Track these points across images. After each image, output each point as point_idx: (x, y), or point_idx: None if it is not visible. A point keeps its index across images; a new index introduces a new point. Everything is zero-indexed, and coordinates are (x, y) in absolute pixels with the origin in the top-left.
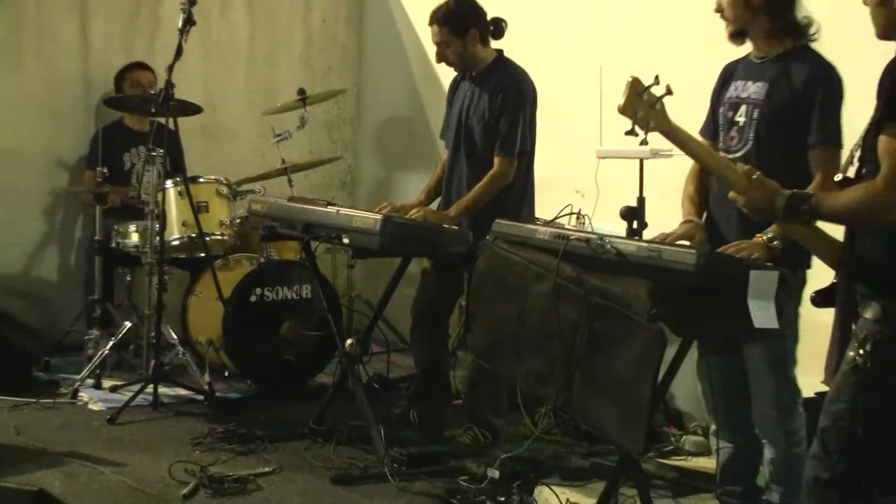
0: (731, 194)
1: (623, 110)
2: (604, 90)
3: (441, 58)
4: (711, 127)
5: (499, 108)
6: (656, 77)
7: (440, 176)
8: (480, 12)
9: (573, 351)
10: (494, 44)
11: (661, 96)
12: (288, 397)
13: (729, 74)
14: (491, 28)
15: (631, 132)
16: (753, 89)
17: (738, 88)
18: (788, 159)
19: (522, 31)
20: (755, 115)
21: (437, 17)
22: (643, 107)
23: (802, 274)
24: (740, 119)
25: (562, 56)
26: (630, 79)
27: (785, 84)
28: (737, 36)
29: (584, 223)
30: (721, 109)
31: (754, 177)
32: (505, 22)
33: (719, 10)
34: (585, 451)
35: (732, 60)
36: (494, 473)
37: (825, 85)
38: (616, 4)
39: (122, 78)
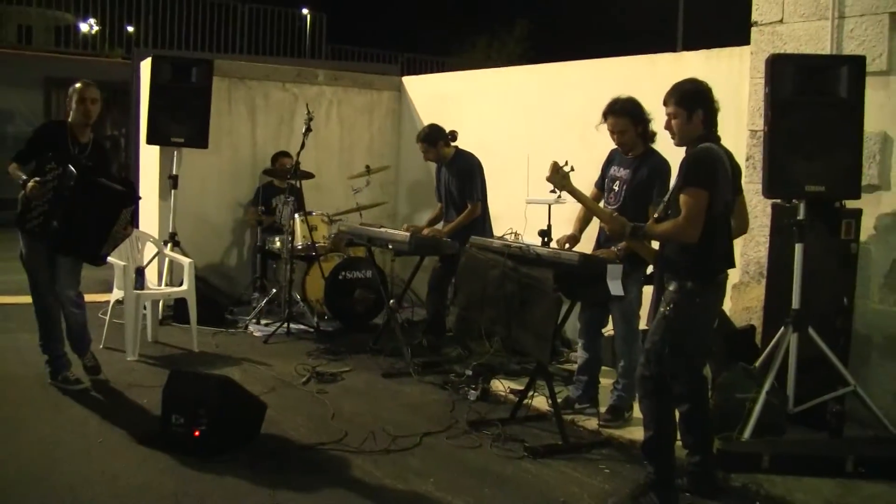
0: (602, 225)
1: (549, 179)
2: (530, 168)
3: (426, 158)
4: (601, 184)
5: (463, 178)
6: (566, 161)
7: (437, 214)
8: (442, 130)
9: (511, 307)
10: (454, 143)
11: (568, 171)
12: (358, 330)
13: (611, 158)
14: (450, 136)
15: (553, 191)
16: (623, 173)
17: (616, 171)
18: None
19: (483, 133)
20: (624, 187)
21: (419, 138)
22: (558, 177)
23: (643, 268)
24: (616, 187)
25: (505, 148)
26: (553, 162)
27: (640, 171)
28: (628, 151)
29: (518, 238)
30: (606, 180)
31: (615, 215)
32: (456, 132)
33: (621, 141)
34: (517, 361)
35: (613, 149)
36: (469, 372)
37: (661, 171)
38: (535, 121)
39: (275, 159)
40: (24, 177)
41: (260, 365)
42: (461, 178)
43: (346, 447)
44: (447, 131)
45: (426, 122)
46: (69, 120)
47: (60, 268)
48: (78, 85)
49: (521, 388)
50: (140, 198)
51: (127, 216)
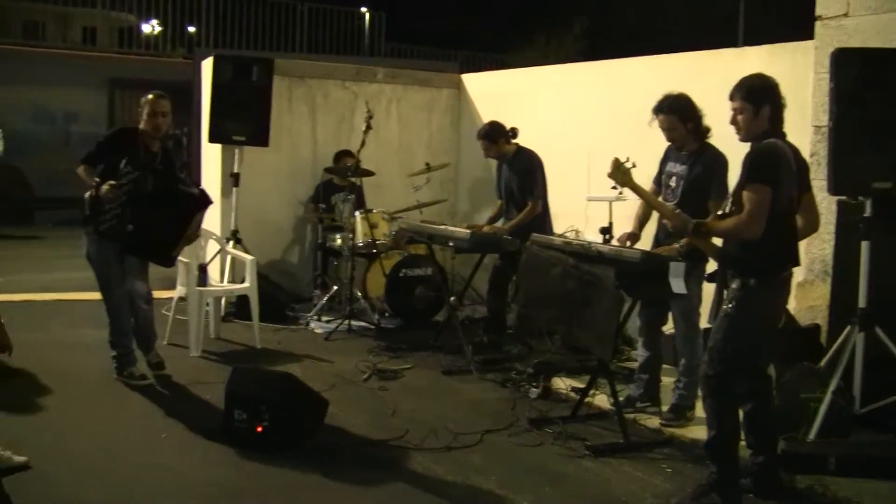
0: (665, 221)
1: (610, 176)
2: (590, 165)
3: (486, 155)
4: (658, 180)
5: (524, 175)
6: (627, 157)
7: (497, 211)
8: (502, 127)
9: (572, 305)
10: (515, 141)
11: (630, 168)
12: (419, 327)
13: (667, 155)
14: (510, 133)
15: (614, 187)
16: (679, 169)
17: (672, 167)
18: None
19: (543, 131)
20: (680, 183)
21: (480, 135)
22: (619, 174)
23: (703, 265)
24: (672, 184)
25: (566, 145)
26: (614, 158)
27: (695, 167)
28: (681, 147)
29: (579, 236)
30: (663, 177)
31: (677, 212)
32: (517, 129)
33: (671, 137)
34: (579, 359)
35: (668, 146)
36: (530, 370)
37: (716, 166)
38: (595, 118)
39: (338, 158)
40: (97, 179)
41: (321, 361)
42: (522, 175)
43: (406, 444)
44: (508, 128)
45: (485, 120)
46: (141, 127)
47: (130, 264)
48: (150, 96)
49: (582, 386)
50: (212, 202)
51: (199, 220)
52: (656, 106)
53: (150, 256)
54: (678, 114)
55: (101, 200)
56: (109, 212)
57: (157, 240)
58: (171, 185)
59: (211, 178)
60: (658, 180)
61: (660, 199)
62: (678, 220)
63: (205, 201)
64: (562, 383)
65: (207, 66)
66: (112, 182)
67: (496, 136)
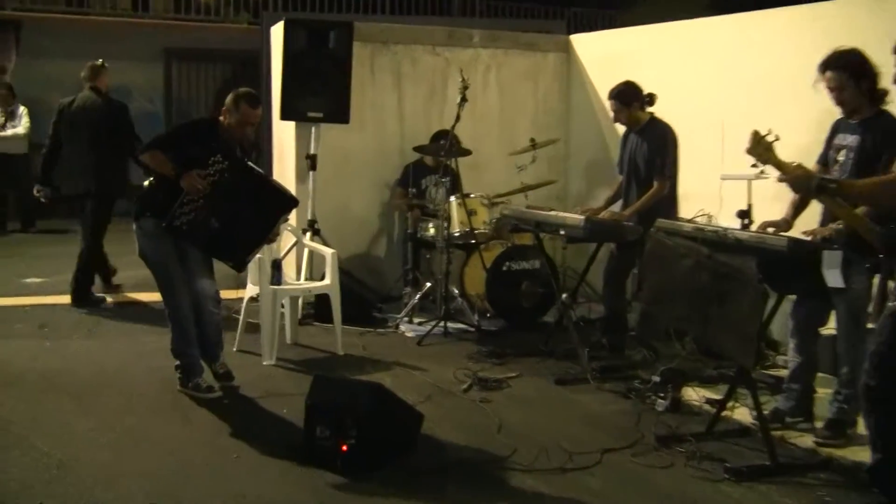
0: (779, 176)
1: (749, 151)
2: (724, 138)
3: (616, 120)
4: (824, 159)
5: (654, 150)
6: (769, 129)
7: (615, 191)
8: (639, 90)
9: (707, 301)
10: (649, 109)
11: (772, 141)
12: (526, 329)
13: (835, 129)
14: (647, 99)
15: (754, 165)
16: (850, 140)
17: (841, 139)
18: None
19: (669, 98)
20: (851, 155)
21: (612, 94)
22: (760, 148)
23: (871, 254)
24: (841, 157)
25: (696, 114)
26: (753, 131)
27: (868, 136)
28: (852, 112)
29: (712, 221)
30: (830, 151)
31: (797, 164)
32: (656, 95)
33: (840, 99)
34: (714, 365)
35: (837, 119)
36: (657, 379)
37: (893, 135)
38: (732, 81)
39: (436, 140)
40: (174, 167)
41: (414, 370)
42: (652, 149)
43: (514, 465)
44: (645, 93)
45: (599, 87)
46: (224, 122)
47: (194, 261)
48: (244, 101)
49: (719, 397)
50: (298, 203)
51: (283, 221)
52: (823, 62)
53: (227, 256)
54: (850, 71)
55: (183, 186)
56: (189, 204)
57: (242, 239)
58: (267, 181)
59: (284, 160)
60: (823, 159)
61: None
62: (799, 176)
63: (294, 202)
64: (694, 394)
65: (277, 32)
66: (198, 171)
67: (630, 97)
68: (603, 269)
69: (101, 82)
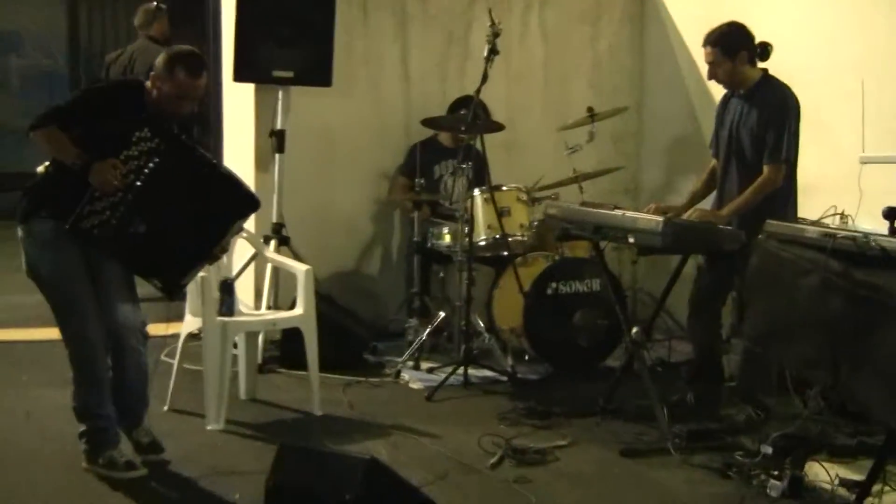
0: None
1: None
2: (865, 106)
3: (712, 75)
4: (716, 142)
5: (766, 121)
6: None
7: (705, 181)
8: (749, 36)
9: (840, 338)
10: (760, 64)
11: None
12: (580, 378)
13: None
14: (758, 51)
15: None
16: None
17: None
18: None
19: (786, 50)
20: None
21: (711, 39)
22: None
23: None
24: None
25: (824, 72)
26: None
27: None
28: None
29: (847, 223)
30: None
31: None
32: (771, 45)
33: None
34: (852, 429)
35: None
36: (767, 449)
37: None
38: (875, 26)
39: (456, 109)
40: (79, 153)
41: (422, 436)
42: (764, 120)
43: None
44: (757, 42)
45: (687, 34)
46: (152, 91)
47: (108, 281)
48: (179, 60)
49: (861, 477)
50: (260, 205)
51: (237, 230)
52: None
53: (156, 274)
54: (721, 46)
55: (91, 182)
56: (102, 199)
57: (177, 251)
58: (214, 168)
59: (238, 138)
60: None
61: None
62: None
63: (254, 203)
64: (824, 471)
65: None
66: (117, 158)
67: (736, 45)
68: (689, 292)
69: (159, 30)
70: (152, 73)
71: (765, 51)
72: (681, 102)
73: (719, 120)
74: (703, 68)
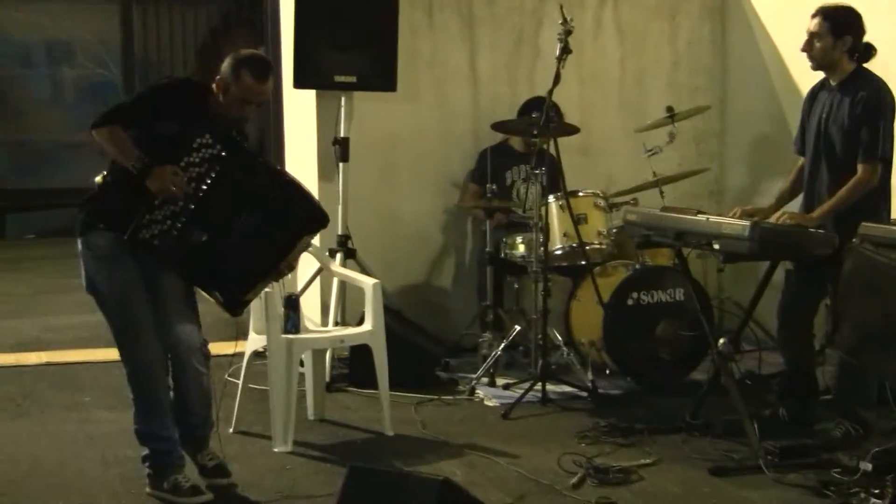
0: None
1: None
2: None
3: (807, 47)
4: (801, 141)
5: (859, 117)
6: None
7: (793, 181)
8: (862, 26)
9: None
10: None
11: None
12: (664, 393)
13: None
14: (862, 48)
15: None
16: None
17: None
18: None
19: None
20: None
21: (823, 11)
22: None
23: None
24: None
25: None
26: None
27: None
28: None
29: None
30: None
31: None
32: (875, 49)
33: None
34: None
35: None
36: (867, 466)
37: None
38: None
39: (527, 111)
40: (139, 156)
41: (498, 456)
42: (857, 115)
43: None
44: (865, 41)
45: (771, 29)
46: (217, 94)
47: (168, 296)
48: (246, 63)
49: None
50: (328, 219)
51: (304, 248)
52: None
53: (218, 288)
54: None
55: (150, 188)
56: (162, 207)
57: (240, 265)
58: (282, 178)
59: (300, 147)
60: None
61: None
62: None
63: (323, 219)
64: None
65: None
66: (176, 165)
67: (846, 26)
68: (778, 300)
69: None
70: (218, 77)
71: (867, 51)
72: (766, 100)
73: (807, 114)
74: (792, 63)
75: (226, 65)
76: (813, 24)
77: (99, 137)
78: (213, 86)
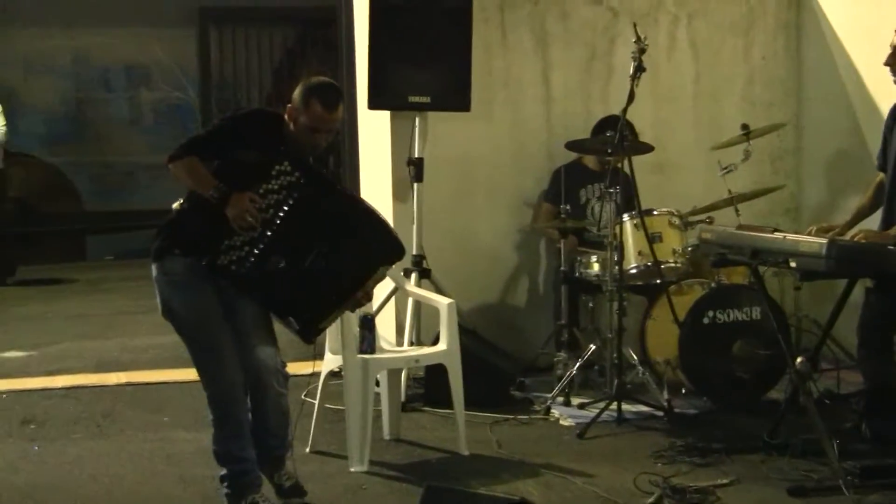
0: None
1: None
2: None
3: (891, 60)
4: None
5: None
6: None
7: (871, 197)
8: None
9: None
10: None
11: None
12: (742, 412)
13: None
14: None
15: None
16: None
17: None
18: None
19: None
20: None
21: None
22: None
23: None
24: None
25: None
26: None
27: None
28: None
29: None
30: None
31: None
32: None
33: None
34: None
35: None
36: None
37: None
38: None
39: (601, 130)
40: (217, 185)
41: (574, 475)
42: None
43: None
44: None
45: (846, 42)
46: (289, 125)
47: (247, 320)
48: (315, 91)
49: None
50: (404, 251)
51: (380, 278)
52: None
53: (293, 315)
54: None
55: (228, 215)
56: (240, 235)
57: (316, 292)
58: (359, 206)
59: (374, 167)
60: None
61: None
62: None
63: (400, 251)
64: None
65: None
66: (254, 193)
67: None
68: (858, 318)
69: None
70: (289, 105)
71: None
72: (843, 116)
73: (889, 130)
74: (869, 78)
75: (296, 93)
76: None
77: (175, 170)
78: (286, 115)
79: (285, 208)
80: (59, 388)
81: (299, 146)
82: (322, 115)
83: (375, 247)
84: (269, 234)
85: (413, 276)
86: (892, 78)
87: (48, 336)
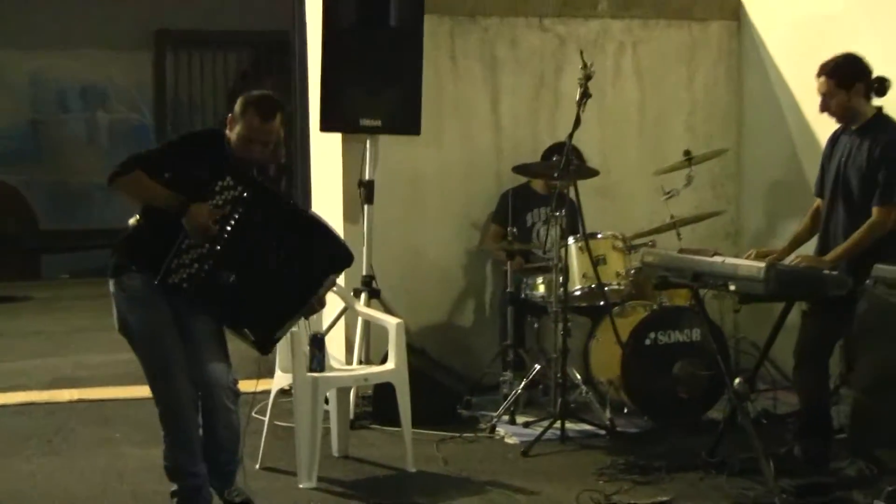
0: None
1: None
2: None
3: (824, 108)
4: (821, 185)
5: (877, 160)
6: None
7: (808, 223)
8: (866, 69)
9: None
10: (876, 101)
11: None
12: (682, 431)
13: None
14: (875, 85)
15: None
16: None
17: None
18: None
19: None
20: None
21: (825, 70)
22: None
23: None
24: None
25: None
26: None
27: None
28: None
29: None
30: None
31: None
32: (889, 81)
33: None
34: None
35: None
36: None
37: None
38: None
39: (549, 157)
40: (174, 195)
41: (518, 493)
42: (875, 159)
43: None
44: (875, 77)
45: (786, 73)
46: (230, 138)
47: (201, 337)
48: (252, 104)
49: None
50: (353, 257)
51: (330, 285)
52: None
53: (249, 327)
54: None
55: (186, 226)
56: (190, 250)
57: (268, 303)
58: (304, 217)
59: (326, 189)
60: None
61: None
62: None
63: (348, 257)
64: None
65: (314, 3)
66: (210, 205)
67: (852, 76)
68: (794, 340)
69: None
70: (228, 117)
71: (882, 86)
72: (782, 143)
73: (827, 158)
74: (807, 106)
75: (236, 105)
76: (820, 84)
77: (120, 187)
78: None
79: (231, 223)
80: (12, 405)
81: (240, 160)
82: (258, 126)
83: (324, 255)
84: (217, 248)
85: (363, 295)
86: (835, 119)
87: (1, 353)
